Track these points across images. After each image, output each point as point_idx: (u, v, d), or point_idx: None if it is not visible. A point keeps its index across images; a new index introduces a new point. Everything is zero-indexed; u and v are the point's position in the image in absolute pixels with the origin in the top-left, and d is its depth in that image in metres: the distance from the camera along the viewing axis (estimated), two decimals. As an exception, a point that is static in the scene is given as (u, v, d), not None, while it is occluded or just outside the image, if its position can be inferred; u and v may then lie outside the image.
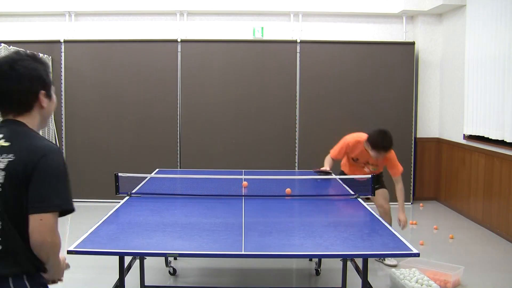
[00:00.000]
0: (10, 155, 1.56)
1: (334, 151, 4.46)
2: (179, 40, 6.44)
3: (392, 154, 4.35)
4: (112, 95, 6.40)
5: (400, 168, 4.38)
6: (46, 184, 1.55)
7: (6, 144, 1.59)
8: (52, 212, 1.55)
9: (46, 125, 1.75)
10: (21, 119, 1.68)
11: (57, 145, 1.65)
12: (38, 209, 1.53)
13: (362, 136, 4.36)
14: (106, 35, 6.60)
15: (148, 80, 6.44)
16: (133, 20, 6.72)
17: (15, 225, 1.55)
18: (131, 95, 6.43)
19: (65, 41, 6.40)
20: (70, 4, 6.52)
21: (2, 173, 1.55)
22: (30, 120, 1.69)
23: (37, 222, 1.53)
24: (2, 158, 1.56)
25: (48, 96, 1.73)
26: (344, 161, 4.61)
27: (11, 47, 5.14)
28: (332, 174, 4.32)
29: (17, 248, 1.55)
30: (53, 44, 6.38)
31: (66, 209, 1.59)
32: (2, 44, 4.96)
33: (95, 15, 6.68)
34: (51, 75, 1.75)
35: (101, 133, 6.44)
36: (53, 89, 1.78)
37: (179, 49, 6.43)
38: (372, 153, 4.17)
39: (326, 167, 4.34)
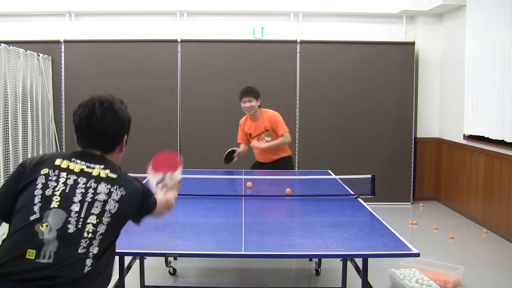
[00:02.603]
0: (122, 189, 1.71)
1: (238, 137, 4.87)
2: (179, 40, 6.44)
3: (275, 115, 4.62)
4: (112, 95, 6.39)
5: (285, 128, 4.61)
6: (146, 206, 1.91)
7: (114, 176, 1.72)
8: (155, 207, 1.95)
9: None
10: (107, 156, 1.80)
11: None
12: (146, 215, 1.94)
13: None
14: (106, 35, 6.60)
15: (148, 80, 6.44)
16: (133, 20, 6.72)
17: (105, 251, 1.64)
18: (131, 95, 6.42)
19: (65, 41, 6.40)
20: (70, 4, 6.52)
21: (117, 205, 1.68)
22: (113, 159, 1.83)
23: (154, 214, 1.98)
24: (115, 189, 1.69)
25: (125, 141, 1.86)
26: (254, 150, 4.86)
27: (11, 47, 5.14)
28: (235, 150, 4.70)
29: (99, 270, 1.63)
30: (53, 44, 6.38)
31: (156, 202, 1.96)
32: (2, 44, 4.96)
33: (95, 15, 6.68)
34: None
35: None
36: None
37: (179, 49, 6.43)
38: (242, 106, 4.55)
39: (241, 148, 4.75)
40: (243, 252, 2.33)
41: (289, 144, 4.72)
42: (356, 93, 6.53)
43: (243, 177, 4.10)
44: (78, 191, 1.62)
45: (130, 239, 2.55)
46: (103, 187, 1.66)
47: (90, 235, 1.59)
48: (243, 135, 4.79)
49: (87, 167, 1.69)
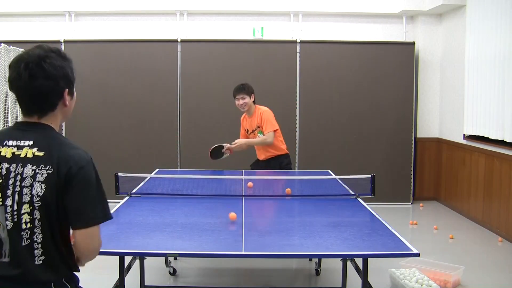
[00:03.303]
0: (48, 167, 1.54)
1: (240, 134, 4.88)
2: (179, 40, 6.44)
3: (265, 112, 4.60)
4: (112, 95, 6.40)
5: (270, 127, 4.57)
6: (86, 198, 1.57)
7: (41, 153, 1.56)
8: (96, 225, 1.59)
9: (65, 121, 1.76)
10: (45, 120, 1.63)
11: (88, 154, 1.71)
12: (82, 224, 1.57)
13: None
14: (106, 35, 6.60)
15: (148, 80, 6.44)
16: (133, 20, 6.72)
17: (52, 236, 1.57)
18: (131, 95, 6.43)
19: (65, 41, 6.39)
20: (70, 4, 6.52)
21: (43, 185, 1.53)
22: (54, 121, 1.65)
23: (82, 236, 1.58)
24: (40, 169, 1.54)
25: (71, 93, 1.68)
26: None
27: (11, 47, 5.14)
28: (223, 146, 4.64)
29: (55, 258, 1.57)
30: (53, 44, 6.34)
31: (106, 220, 1.62)
32: (2, 44, 4.95)
33: (95, 15, 6.68)
34: (75, 71, 1.69)
35: (101, 133, 6.44)
36: (74, 85, 1.72)
37: (179, 49, 6.43)
38: (236, 104, 4.59)
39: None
40: (243, 252, 2.33)
41: (270, 145, 4.58)
42: (356, 93, 6.53)
43: (243, 177, 4.10)
44: (10, 182, 1.55)
45: (130, 239, 2.55)
46: (28, 170, 1.54)
47: (28, 225, 1.53)
48: (243, 131, 4.82)
49: (18, 148, 1.57)
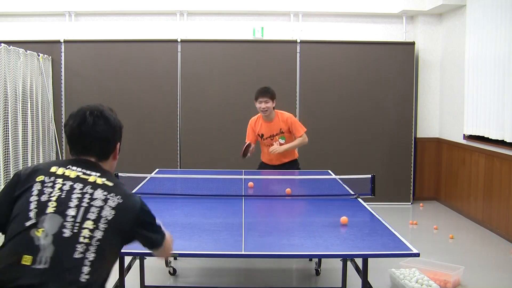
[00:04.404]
0: (118, 197, 1.67)
1: (246, 136, 4.71)
2: (179, 40, 6.44)
3: (292, 117, 4.59)
4: (112, 95, 6.39)
5: (302, 129, 4.55)
6: (151, 231, 1.81)
7: (111, 184, 1.69)
8: (163, 243, 1.86)
9: None
10: (101, 164, 1.77)
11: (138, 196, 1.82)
12: (157, 248, 1.86)
13: None
14: (106, 35, 6.60)
15: (148, 80, 6.44)
16: (133, 20, 6.72)
17: (105, 258, 1.62)
18: (131, 95, 6.43)
19: (65, 41, 6.40)
20: (70, 4, 6.52)
21: (113, 212, 1.64)
22: (107, 167, 1.81)
23: (160, 252, 1.91)
24: (112, 196, 1.66)
25: (119, 149, 1.83)
26: (261, 151, 4.78)
27: (11, 47, 5.14)
28: (251, 144, 4.53)
29: (98, 282, 1.60)
30: (53, 44, 6.38)
31: (165, 235, 1.89)
32: (2, 44, 4.95)
33: (95, 15, 6.68)
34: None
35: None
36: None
37: (179, 49, 6.43)
38: (258, 106, 4.47)
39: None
40: (243, 252, 2.33)
41: (307, 144, 4.59)
42: (356, 93, 6.53)
43: (243, 177, 4.10)
44: (74, 196, 1.61)
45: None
46: (99, 193, 1.64)
47: (86, 240, 1.56)
48: (253, 135, 4.63)
49: (84, 173, 1.68)
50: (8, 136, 5.03)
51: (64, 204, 1.59)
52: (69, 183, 1.64)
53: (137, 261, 3.52)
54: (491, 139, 5.30)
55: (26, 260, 1.50)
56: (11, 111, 5.11)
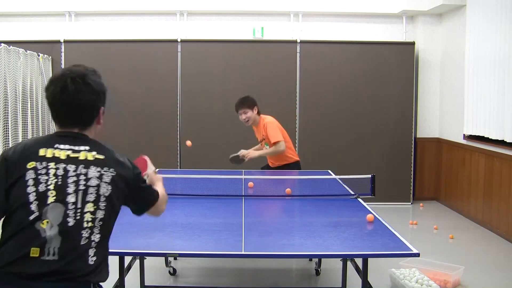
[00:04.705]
0: (111, 169, 1.66)
1: None
2: (179, 40, 6.44)
3: (267, 124, 4.52)
4: (112, 95, 6.37)
5: (274, 137, 4.48)
6: (144, 192, 1.84)
7: (101, 157, 1.67)
8: (156, 202, 1.89)
9: None
10: (85, 132, 1.73)
11: (125, 155, 1.80)
12: (149, 207, 1.88)
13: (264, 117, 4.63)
14: (106, 35, 6.60)
15: (148, 80, 6.44)
16: (133, 20, 6.72)
17: (107, 237, 1.65)
18: (131, 95, 6.43)
19: (65, 41, 6.40)
20: (70, 4, 6.52)
21: (109, 186, 1.64)
22: (91, 134, 1.76)
23: (154, 210, 1.91)
24: (105, 171, 1.65)
25: (103, 113, 1.79)
26: None
27: (11, 47, 5.14)
28: (241, 155, 4.58)
29: (104, 261, 1.64)
30: (53, 44, 6.38)
31: (159, 195, 1.91)
32: (2, 44, 4.95)
33: (95, 15, 6.68)
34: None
35: (101, 133, 6.41)
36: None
37: (179, 49, 6.43)
38: (240, 118, 4.56)
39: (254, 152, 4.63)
40: (243, 252, 2.33)
41: (282, 152, 4.54)
42: (356, 93, 6.53)
43: (243, 177, 4.10)
44: (70, 180, 1.59)
45: (130, 239, 2.55)
46: (93, 171, 1.63)
47: (90, 224, 1.58)
48: (260, 139, 4.80)
49: (73, 151, 1.64)
50: (8, 136, 5.03)
51: (63, 191, 1.58)
52: (61, 166, 1.61)
53: (137, 261, 3.52)
54: (491, 139, 5.30)
55: (34, 252, 1.53)
56: (11, 111, 5.11)
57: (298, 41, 6.50)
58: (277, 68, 6.47)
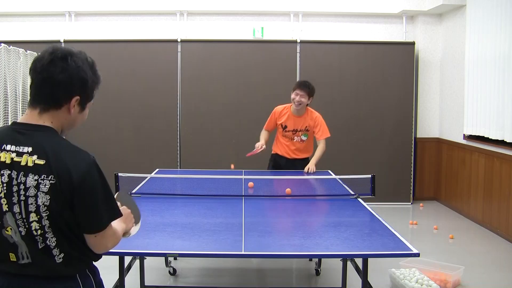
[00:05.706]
0: (50, 177, 1.50)
1: (266, 123, 4.64)
2: (179, 40, 6.44)
3: (320, 117, 4.53)
4: (112, 94, 6.39)
5: (328, 132, 4.49)
6: (91, 206, 1.55)
7: (41, 162, 1.51)
8: (103, 229, 1.58)
9: (64, 135, 1.68)
10: (46, 117, 1.58)
11: (89, 154, 1.58)
12: (93, 230, 1.57)
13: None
14: (106, 35, 6.60)
15: (148, 80, 6.44)
16: (133, 20, 6.72)
17: (66, 237, 1.57)
18: (131, 94, 6.43)
19: (65, 41, 6.39)
20: (70, 4, 6.52)
21: (47, 196, 1.51)
22: (55, 121, 1.59)
23: (94, 240, 1.59)
24: (43, 179, 1.50)
25: (81, 106, 1.64)
26: (275, 140, 4.70)
27: (11, 47, 5.14)
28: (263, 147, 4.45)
29: (75, 255, 1.59)
30: (53, 44, 6.36)
31: (113, 220, 1.62)
32: (2, 44, 4.95)
33: (95, 15, 6.68)
34: (95, 90, 1.68)
35: (101, 133, 6.44)
36: (89, 104, 1.69)
37: (179, 49, 6.43)
38: (292, 97, 4.41)
39: (262, 141, 4.51)
40: (243, 252, 2.33)
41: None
42: (356, 93, 6.53)
43: (243, 177, 4.10)
44: (13, 189, 1.53)
45: (130, 239, 2.54)
46: (30, 180, 1.51)
47: (39, 231, 1.54)
48: (273, 123, 4.60)
49: (17, 154, 1.54)
50: (8, 136, 5.02)
51: (9, 200, 1.53)
52: (6, 172, 1.53)
53: (137, 261, 3.52)
54: (491, 139, 5.30)
55: (12, 257, 1.56)
56: (11, 111, 5.11)
57: (298, 41, 6.50)
58: (277, 68, 6.47)
